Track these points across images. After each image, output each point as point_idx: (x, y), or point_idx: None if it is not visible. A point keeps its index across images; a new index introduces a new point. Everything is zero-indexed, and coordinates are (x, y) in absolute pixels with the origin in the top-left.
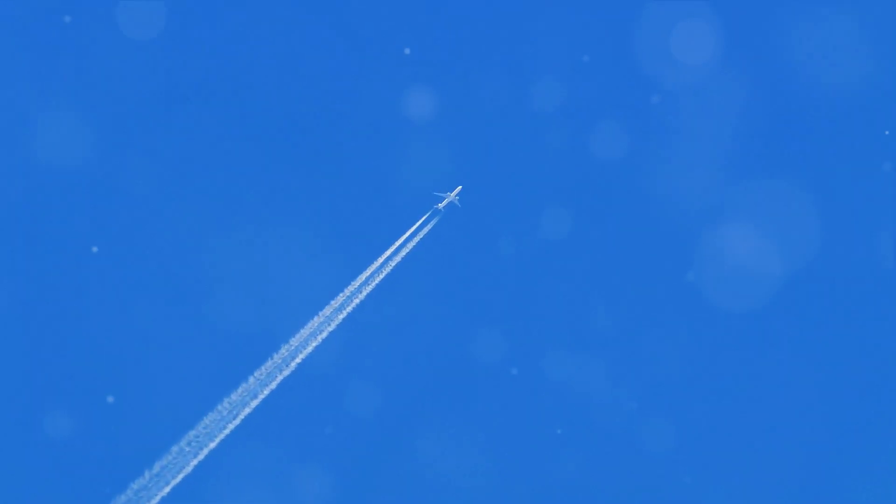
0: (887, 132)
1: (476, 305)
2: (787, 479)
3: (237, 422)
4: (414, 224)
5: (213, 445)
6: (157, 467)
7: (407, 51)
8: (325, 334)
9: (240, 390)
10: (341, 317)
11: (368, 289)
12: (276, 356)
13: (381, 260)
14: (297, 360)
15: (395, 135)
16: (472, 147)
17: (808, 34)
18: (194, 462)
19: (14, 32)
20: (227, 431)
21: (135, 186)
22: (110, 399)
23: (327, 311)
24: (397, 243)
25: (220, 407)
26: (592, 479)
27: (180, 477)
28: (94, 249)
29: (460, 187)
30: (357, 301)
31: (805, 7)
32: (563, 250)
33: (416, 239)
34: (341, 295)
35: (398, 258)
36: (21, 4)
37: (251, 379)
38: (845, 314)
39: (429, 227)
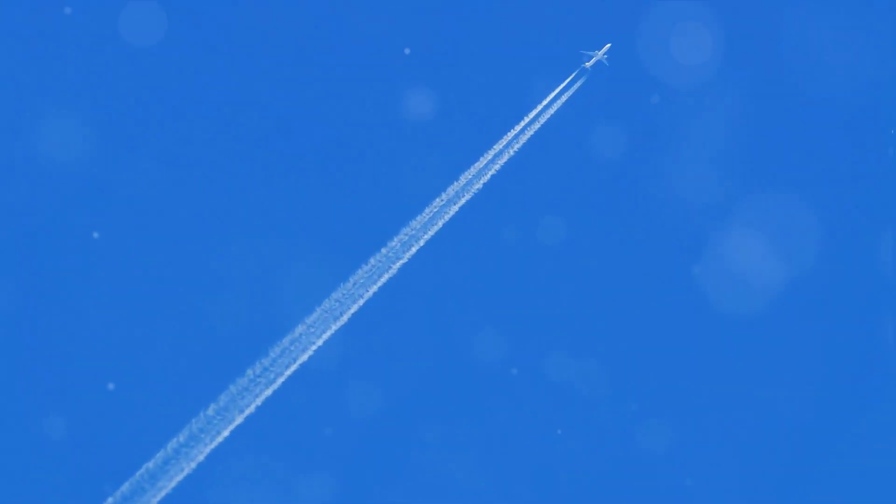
0: (894, 131)
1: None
2: (786, 481)
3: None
4: (561, 83)
5: (212, 445)
6: (150, 465)
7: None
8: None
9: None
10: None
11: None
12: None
13: (529, 117)
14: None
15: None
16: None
17: (812, 32)
18: (191, 464)
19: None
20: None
21: (134, 183)
22: (109, 385)
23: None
24: (545, 102)
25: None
26: (592, 480)
27: (175, 481)
28: (95, 235)
29: (609, 45)
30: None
31: (809, 5)
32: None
33: (564, 98)
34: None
35: (545, 117)
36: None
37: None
38: (848, 318)
39: (577, 85)
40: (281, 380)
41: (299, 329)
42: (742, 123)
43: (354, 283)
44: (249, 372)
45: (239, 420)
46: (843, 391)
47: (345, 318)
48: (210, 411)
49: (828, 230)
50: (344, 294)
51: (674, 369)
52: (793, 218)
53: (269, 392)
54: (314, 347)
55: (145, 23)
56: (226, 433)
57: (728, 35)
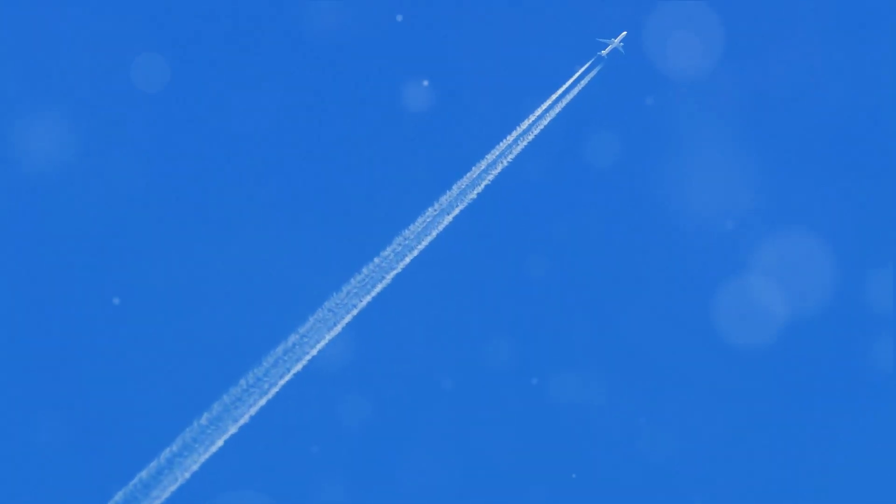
0: None
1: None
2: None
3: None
4: (577, 71)
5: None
6: (143, 474)
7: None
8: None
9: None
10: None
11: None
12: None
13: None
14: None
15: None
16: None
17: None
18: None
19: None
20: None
21: (130, 194)
22: (103, 394)
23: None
24: (560, 90)
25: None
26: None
27: (168, 491)
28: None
29: (625, 33)
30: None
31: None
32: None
33: (582, 84)
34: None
35: (560, 106)
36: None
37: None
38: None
39: (593, 73)
40: (275, 390)
41: (293, 338)
42: (746, 125)
43: (348, 293)
44: (242, 381)
45: (232, 430)
46: (847, 417)
47: (339, 327)
48: (203, 420)
49: (832, 234)
50: (337, 303)
51: (678, 377)
52: (802, 231)
53: (262, 402)
54: (308, 357)
55: (153, 72)
56: (220, 443)
57: (734, 35)
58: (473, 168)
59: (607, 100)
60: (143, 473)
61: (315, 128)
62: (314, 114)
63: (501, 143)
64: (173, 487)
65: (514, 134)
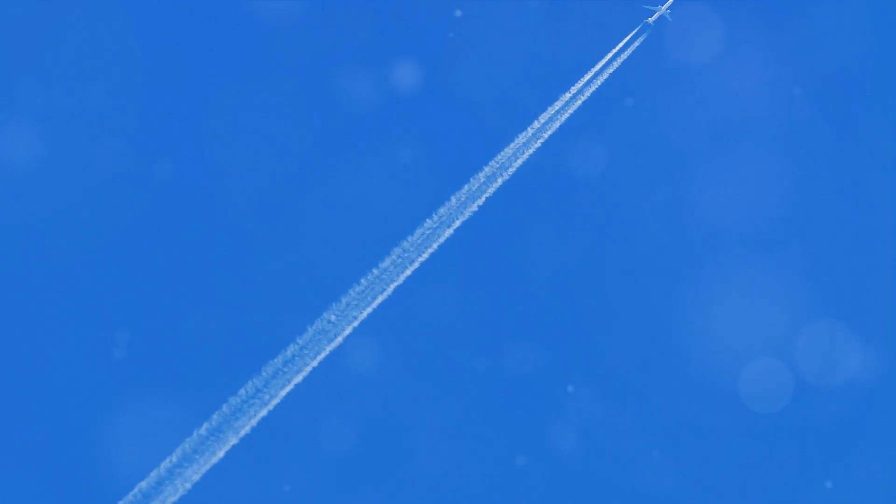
0: None
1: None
2: None
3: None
4: (623, 38)
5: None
6: (143, 484)
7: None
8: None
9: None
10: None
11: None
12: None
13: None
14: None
15: None
16: None
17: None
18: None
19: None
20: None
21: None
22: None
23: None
24: (606, 58)
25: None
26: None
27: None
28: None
29: (671, 0)
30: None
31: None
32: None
33: (627, 52)
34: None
35: (607, 74)
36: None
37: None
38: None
39: (639, 41)
40: (275, 401)
41: (292, 349)
42: (749, 121)
43: (348, 304)
44: (242, 392)
45: (233, 441)
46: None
47: (339, 339)
48: (203, 431)
49: (833, 238)
50: (337, 314)
51: (673, 385)
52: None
53: (263, 412)
54: (308, 368)
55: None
56: (220, 453)
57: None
58: (499, 155)
59: (619, 99)
60: (143, 484)
61: (312, 135)
62: (310, 121)
63: (541, 118)
64: (174, 498)
65: (560, 102)
